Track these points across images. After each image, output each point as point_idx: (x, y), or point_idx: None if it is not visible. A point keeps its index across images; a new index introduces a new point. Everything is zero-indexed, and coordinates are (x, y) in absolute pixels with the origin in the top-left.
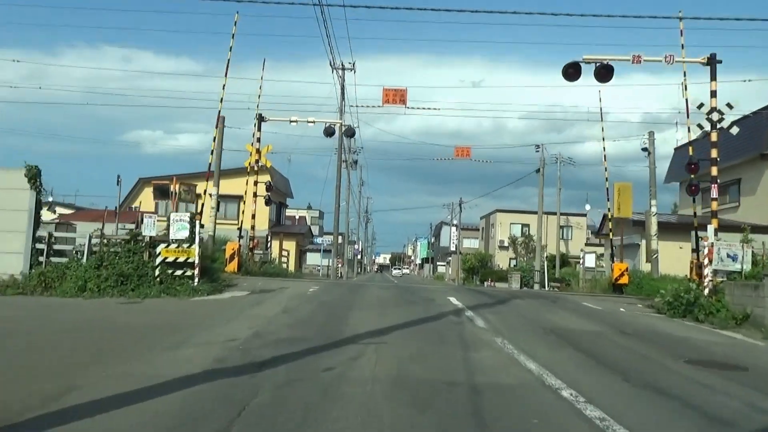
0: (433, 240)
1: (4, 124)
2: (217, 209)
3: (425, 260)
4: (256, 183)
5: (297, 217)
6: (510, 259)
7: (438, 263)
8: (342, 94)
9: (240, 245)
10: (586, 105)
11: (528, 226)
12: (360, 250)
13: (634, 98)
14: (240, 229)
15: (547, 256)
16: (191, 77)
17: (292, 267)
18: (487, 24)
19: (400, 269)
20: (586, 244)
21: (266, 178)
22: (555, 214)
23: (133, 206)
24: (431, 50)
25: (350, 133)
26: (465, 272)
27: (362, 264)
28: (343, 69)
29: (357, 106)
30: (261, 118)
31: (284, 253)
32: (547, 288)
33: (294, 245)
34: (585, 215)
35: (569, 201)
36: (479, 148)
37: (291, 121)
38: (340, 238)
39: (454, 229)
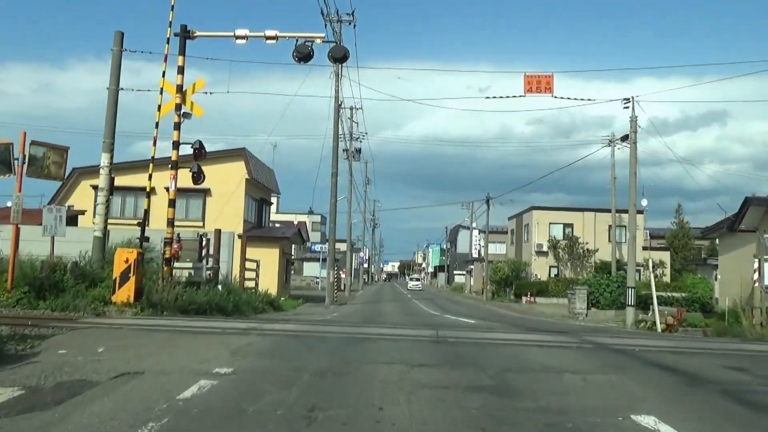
0: (448, 246)
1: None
2: (110, 193)
3: (438, 268)
4: (177, 145)
5: (296, 222)
6: (550, 267)
7: (455, 272)
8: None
9: (141, 254)
10: (592, 110)
11: (571, 226)
12: (367, 258)
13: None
14: (142, 226)
15: (598, 264)
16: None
17: (271, 284)
18: (492, 36)
19: (419, 280)
20: (644, 248)
21: (241, 166)
22: (607, 211)
23: (67, 204)
24: (438, 57)
25: (339, 54)
26: (494, 284)
27: (369, 273)
28: (340, 22)
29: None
30: (185, 33)
31: (251, 265)
32: (659, 326)
33: (277, 253)
34: (642, 212)
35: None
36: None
37: (236, 38)
38: (343, 246)
39: (476, 232)
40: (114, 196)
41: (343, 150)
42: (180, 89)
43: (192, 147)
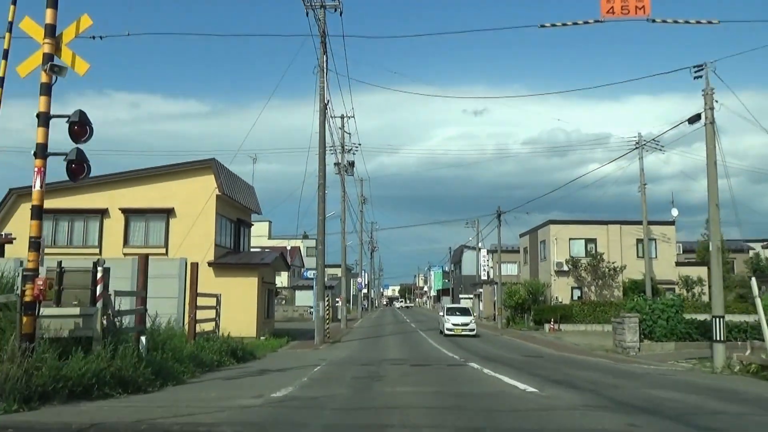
0: (452, 268)
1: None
2: None
3: (442, 292)
4: (47, 120)
5: (288, 248)
6: (572, 288)
7: (461, 296)
8: (323, 46)
9: None
10: (587, 128)
11: (594, 241)
12: (366, 283)
13: (633, 120)
14: None
15: (626, 283)
16: (199, 118)
17: (248, 321)
18: (489, 57)
19: (469, 313)
20: (677, 264)
21: (210, 180)
22: (634, 223)
23: (3, 232)
24: (433, 82)
25: None
26: (509, 309)
27: (369, 298)
28: (324, 7)
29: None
30: None
31: (208, 301)
32: None
33: (255, 283)
34: (673, 223)
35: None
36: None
37: None
38: (338, 271)
39: (484, 252)
40: (60, 221)
41: (335, 164)
42: (52, 31)
43: (68, 122)
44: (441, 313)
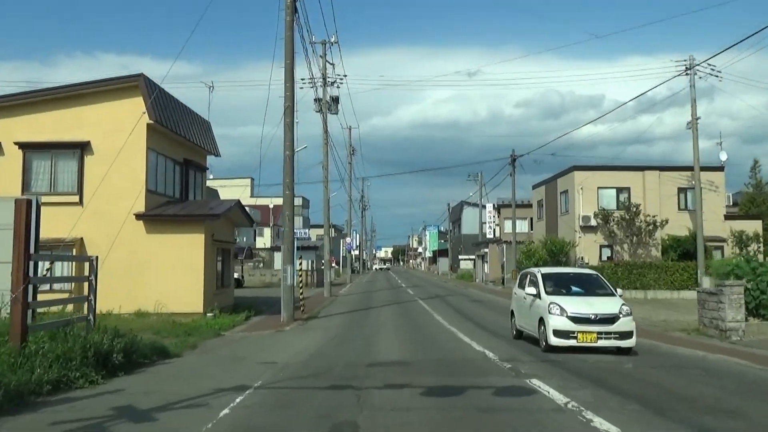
0: (450, 227)
1: None
2: None
3: (438, 253)
4: None
5: (272, 206)
6: (600, 247)
7: (460, 257)
8: None
9: None
10: (580, 89)
11: (628, 190)
12: (356, 244)
13: (629, 80)
14: None
15: (666, 241)
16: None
17: (191, 293)
18: (483, 17)
19: (608, 292)
20: (727, 217)
21: (138, 104)
22: (675, 169)
23: None
24: (426, 42)
25: None
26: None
27: (361, 260)
28: None
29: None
30: None
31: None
32: None
33: (201, 241)
34: (722, 168)
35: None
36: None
37: None
38: (318, 230)
39: (490, 207)
40: None
41: (315, 100)
42: None
43: None
44: (522, 292)
